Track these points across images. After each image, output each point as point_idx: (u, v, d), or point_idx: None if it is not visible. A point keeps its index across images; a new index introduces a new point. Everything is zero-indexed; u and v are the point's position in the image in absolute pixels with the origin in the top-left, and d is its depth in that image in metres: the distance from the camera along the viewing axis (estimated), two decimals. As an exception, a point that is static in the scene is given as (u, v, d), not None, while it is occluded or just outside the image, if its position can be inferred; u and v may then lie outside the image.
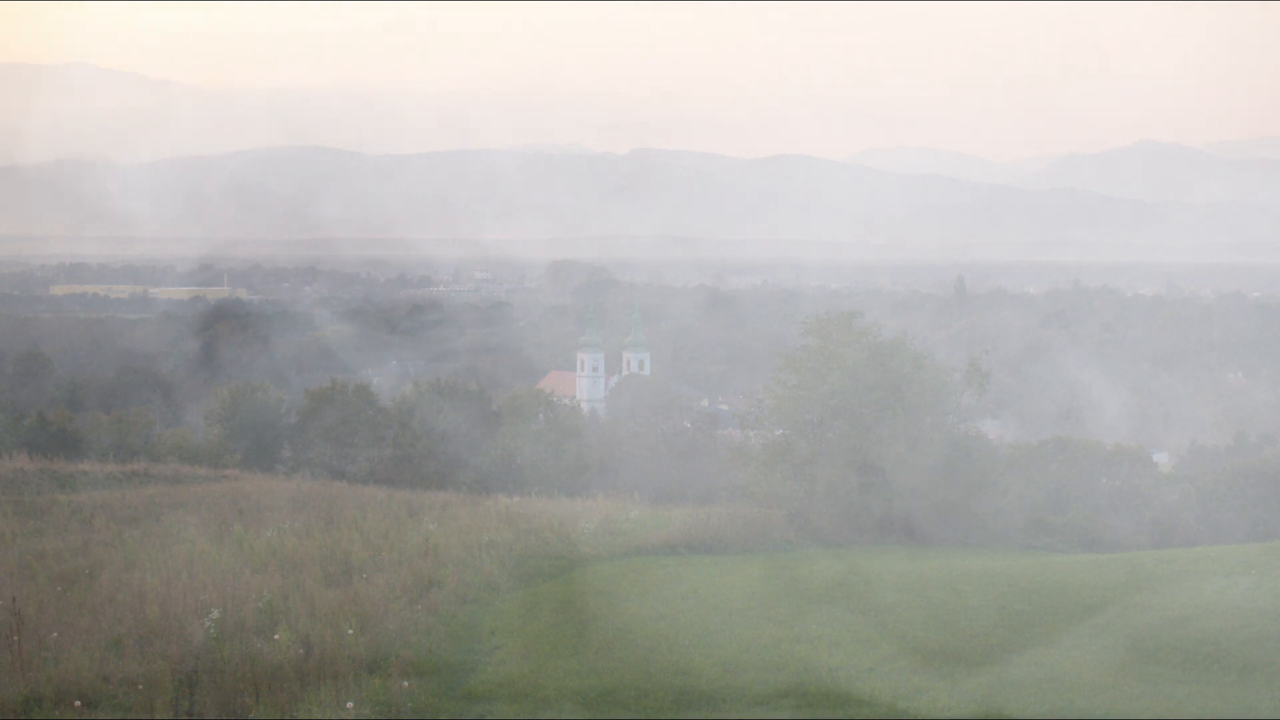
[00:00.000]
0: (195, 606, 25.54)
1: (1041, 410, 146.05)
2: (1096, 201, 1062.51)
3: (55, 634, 23.78)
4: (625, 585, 31.26)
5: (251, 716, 20.29)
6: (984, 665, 23.10)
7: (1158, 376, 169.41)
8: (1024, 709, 20.66)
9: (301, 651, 22.90)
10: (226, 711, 20.46)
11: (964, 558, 39.51)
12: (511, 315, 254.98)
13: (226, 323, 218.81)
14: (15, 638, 22.45)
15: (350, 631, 23.93)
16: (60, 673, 21.60)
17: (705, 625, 26.54)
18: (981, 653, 24.00)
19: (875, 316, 58.29)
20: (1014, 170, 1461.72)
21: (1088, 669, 22.72)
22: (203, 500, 44.89)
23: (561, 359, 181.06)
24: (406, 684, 21.51)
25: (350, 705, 20.38)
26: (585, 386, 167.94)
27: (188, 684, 21.14)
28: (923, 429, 49.54)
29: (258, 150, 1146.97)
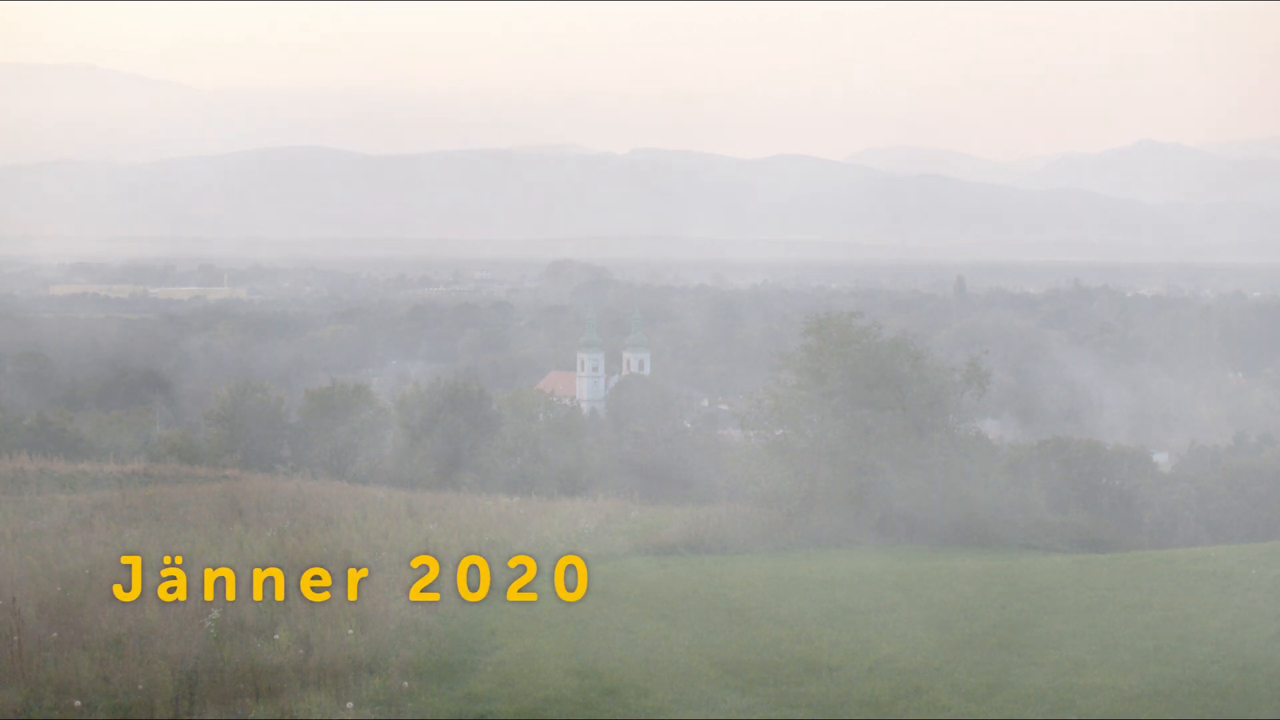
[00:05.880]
0: (195, 607, 25.52)
1: (1041, 410, 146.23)
2: (1096, 201, 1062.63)
3: (55, 634, 23.76)
4: (625, 585, 31.27)
5: (251, 717, 20.27)
6: (984, 666, 23.11)
7: (1158, 376, 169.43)
8: (1024, 710, 20.67)
9: (301, 651, 22.88)
10: (226, 712, 20.43)
11: (964, 558, 39.51)
12: (512, 315, 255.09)
13: (226, 323, 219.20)
14: (15, 638, 22.41)
15: (350, 631, 23.91)
16: (60, 673, 21.57)
17: (705, 625, 26.54)
18: (982, 653, 24.00)
19: (875, 316, 58.29)
20: (1014, 170, 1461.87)
21: (1088, 670, 22.73)
22: (203, 500, 44.85)
23: (561, 359, 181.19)
24: (406, 684, 21.48)
25: (350, 705, 20.36)
26: (585, 386, 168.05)
27: (188, 684, 21.11)
28: (922, 429, 49.54)
29: (258, 150, 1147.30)
